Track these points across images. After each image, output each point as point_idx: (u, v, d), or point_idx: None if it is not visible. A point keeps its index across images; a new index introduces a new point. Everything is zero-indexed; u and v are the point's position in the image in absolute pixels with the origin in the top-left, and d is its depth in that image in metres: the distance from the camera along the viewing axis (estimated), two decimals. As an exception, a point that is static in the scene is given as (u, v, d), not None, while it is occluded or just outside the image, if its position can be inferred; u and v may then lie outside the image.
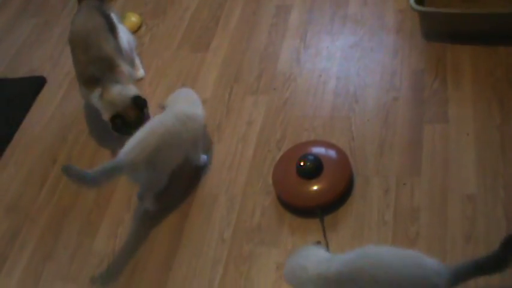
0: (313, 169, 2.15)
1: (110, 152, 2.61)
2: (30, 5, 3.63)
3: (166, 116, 2.29)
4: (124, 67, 2.56)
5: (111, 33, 2.62)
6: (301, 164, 2.17)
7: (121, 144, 2.52)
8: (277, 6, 2.98)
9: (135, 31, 3.10)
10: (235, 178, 2.34)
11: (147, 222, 2.31)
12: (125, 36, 2.74)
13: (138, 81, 2.82)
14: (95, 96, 2.47)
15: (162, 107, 2.39)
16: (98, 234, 2.34)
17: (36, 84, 3.06)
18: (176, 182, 2.40)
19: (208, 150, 2.46)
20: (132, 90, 2.50)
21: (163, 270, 2.16)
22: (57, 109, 2.90)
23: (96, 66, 2.49)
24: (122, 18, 3.03)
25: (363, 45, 2.65)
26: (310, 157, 2.18)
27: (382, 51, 2.59)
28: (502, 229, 1.93)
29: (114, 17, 2.74)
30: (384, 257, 1.63)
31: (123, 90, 2.47)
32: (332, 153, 2.23)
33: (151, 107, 2.56)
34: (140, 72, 2.86)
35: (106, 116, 2.46)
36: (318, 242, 1.86)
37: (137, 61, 2.87)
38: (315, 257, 1.74)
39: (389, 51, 2.58)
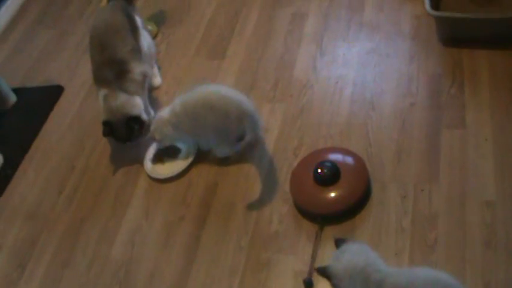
0: (331, 176, 2.15)
1: (128, 161, 2.62)
2: (46, 16, 3.65)
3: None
4: (136, 74, 2.58)
5: (132, 34, 2.63)
6: (319, 171, 2.16)
7: (137, 152, 2.54)
8: (293, 14, 2.98)
9: (151, 39, 3.12)
10: (252, 185, 2.34)
11: (165, 229, 2.32)
12: (145, 41, 2.75)
13: (154, 89, 2.84)
14: (101, 95, 2.54)
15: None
16: (116, 241, 2.35)
17: (53, 93, 3.08)
18: (193, 190, 2.40)
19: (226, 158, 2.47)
20: (134, 105, 2.53)
21: (180, 278, 2.16)
22: (74, 118, 2.92)
23: (108, 69, 2.54)
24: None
25: (379, 51, 2.65)
26: (328, 164, 2.17)
27: (399, 57, 2.59)
28: (522, 236, 1.91)
29: (138, 20, 2.76)
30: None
31: (126, 103, 2.51)
32: (349, 159, 2.23)
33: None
34: (157, 80, 2.87)
35: (103, 116, 2.52)
36: (343, 240, 1.81)
37: (155, 69, 2.89)
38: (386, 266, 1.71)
39: (406, 57, 2.58)
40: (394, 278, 1.65)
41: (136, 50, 2.63)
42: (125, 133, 2.51)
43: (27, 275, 2.35)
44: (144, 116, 2.55)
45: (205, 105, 2.33)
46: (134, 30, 2.67)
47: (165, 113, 2.45)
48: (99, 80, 2.58)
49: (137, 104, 2.54)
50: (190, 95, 2.41)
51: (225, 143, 2.42)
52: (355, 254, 1.71)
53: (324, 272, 1.73)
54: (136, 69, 2.59)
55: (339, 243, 1.79)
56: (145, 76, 2.63)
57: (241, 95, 2.36)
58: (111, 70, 2.54)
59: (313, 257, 2.05)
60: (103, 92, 2.54)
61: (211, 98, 2.33)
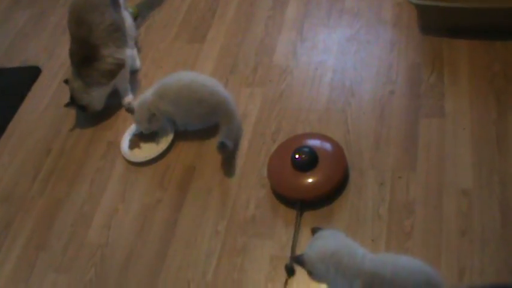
0: (308, 162, 2.15)
1: (104, 144, 2.59)
2: (25, -5, 3.61)
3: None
4: (107, 63, 2.55)
5: (113, 9, 2.60)
6: (296, 156, 2.16)
7: (114, 135, 2.53)
8: (274, -1, 2.97)
9: (131, 22, 3.08)
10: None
11: (141, 213, 2.30)
12: (126, 22, 2.72)
13: (133, 72, 2.81)
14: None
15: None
16: (92, 225, 2.33)
17: (31, 74, 3.04)
18: (170, 174, 2.39)
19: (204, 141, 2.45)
20: (83, 98, 2.60)
21: (157, 261, 2.15)
22: (51, 100, 2.88)
23: (78, 50, 2.55)
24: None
25: (359, 38, 2.64)
26: (306, 150, 2.17)
27: (379, 45, 2.58)
28: (497, 225, 1.92)
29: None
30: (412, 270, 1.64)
31: (77, 91, 2.59)
32: (327, 146, 2.22)
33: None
34: (136, 63, 2.84)
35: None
36: (319, 229, 1.81)
37: (135, 51, 2.85)
38: (363, 252, 1.70)
39: (386, 45, 2.57)
40: (376, 266, 1.65)
41: (116, 29, 2.58)
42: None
43: (1, 257, 2.33)
44: (93, 107, 2.64)
45: (191, 97, 2.35)
46: (116, 4, 2.63)
47: (148, 94, 2.44)
48: (70, 56, 2.60)
49: (86, 98, 2.60)
50: (172, 81, 2.41)
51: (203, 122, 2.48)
52: (327, 239, 1.72)
53: (298, 260, 1.73)
54: (109, 58, 2.55)
55: (315, 231, 1.80)
56: (120, 65, 2.59)
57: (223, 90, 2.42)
58: (80, 52, 2.54)
59: (294, 243, 2.05)
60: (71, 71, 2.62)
61: (201, 92, 2.35)
